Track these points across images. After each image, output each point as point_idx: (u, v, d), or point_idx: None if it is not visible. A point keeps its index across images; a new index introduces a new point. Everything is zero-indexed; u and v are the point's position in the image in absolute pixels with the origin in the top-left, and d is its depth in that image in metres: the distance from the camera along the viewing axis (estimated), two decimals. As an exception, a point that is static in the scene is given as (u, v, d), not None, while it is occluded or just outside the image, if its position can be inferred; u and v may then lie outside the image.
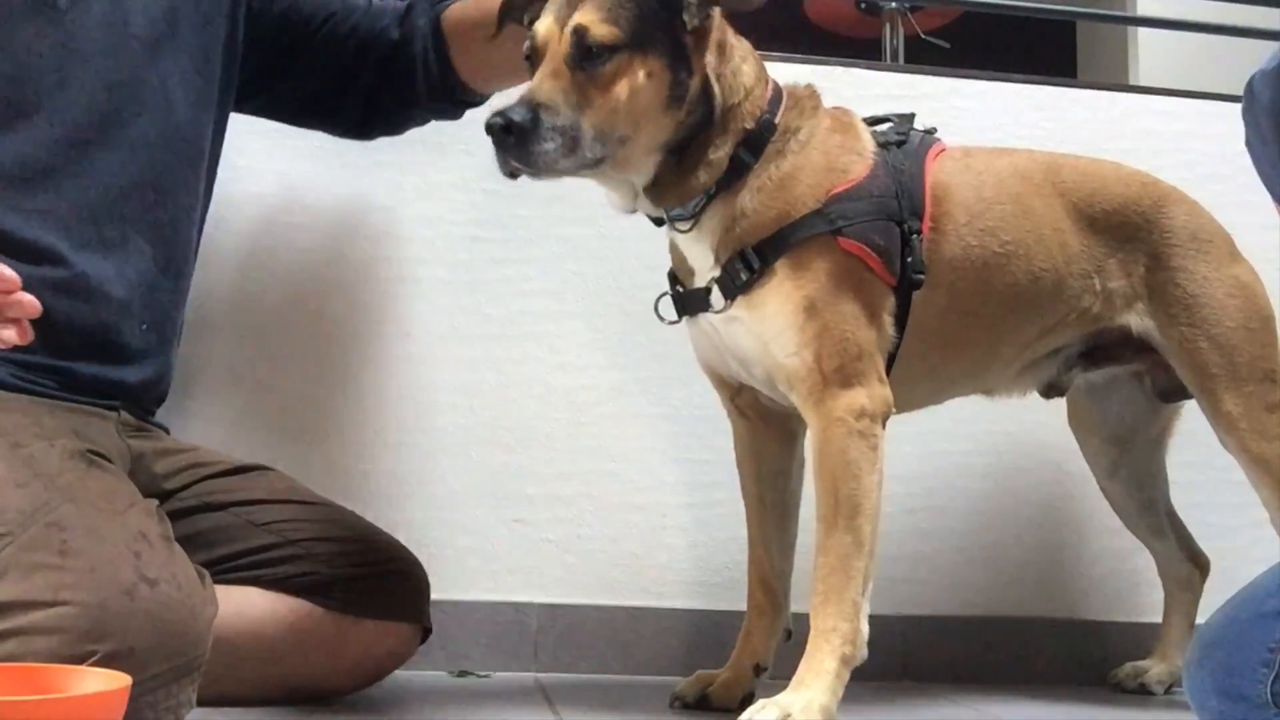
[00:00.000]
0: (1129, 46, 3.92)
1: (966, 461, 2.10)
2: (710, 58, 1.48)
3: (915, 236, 1.54)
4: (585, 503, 2.00)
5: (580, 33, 1.41)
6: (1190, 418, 1.88)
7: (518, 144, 1.37)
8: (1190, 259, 1.74)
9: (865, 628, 1.50)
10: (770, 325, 1.49)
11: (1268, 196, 1.41)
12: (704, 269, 1.54)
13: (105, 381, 1.54)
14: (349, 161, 1.98)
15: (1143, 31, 3.85)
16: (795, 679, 1.43)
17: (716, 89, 1.48)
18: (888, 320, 1.54)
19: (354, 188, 2.00)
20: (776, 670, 1.63)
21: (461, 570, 1.94)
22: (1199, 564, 1.97)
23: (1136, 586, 2.09)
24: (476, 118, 1.63)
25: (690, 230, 1.52)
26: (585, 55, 1.41)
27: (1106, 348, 1.78)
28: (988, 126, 2.14)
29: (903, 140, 1.60)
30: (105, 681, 1.11)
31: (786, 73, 1.63)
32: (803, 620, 1.50)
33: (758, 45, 1.57)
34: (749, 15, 1.48)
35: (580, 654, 1.95)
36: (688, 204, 1.51)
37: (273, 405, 1.96)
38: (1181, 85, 2.44)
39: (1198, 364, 1.73)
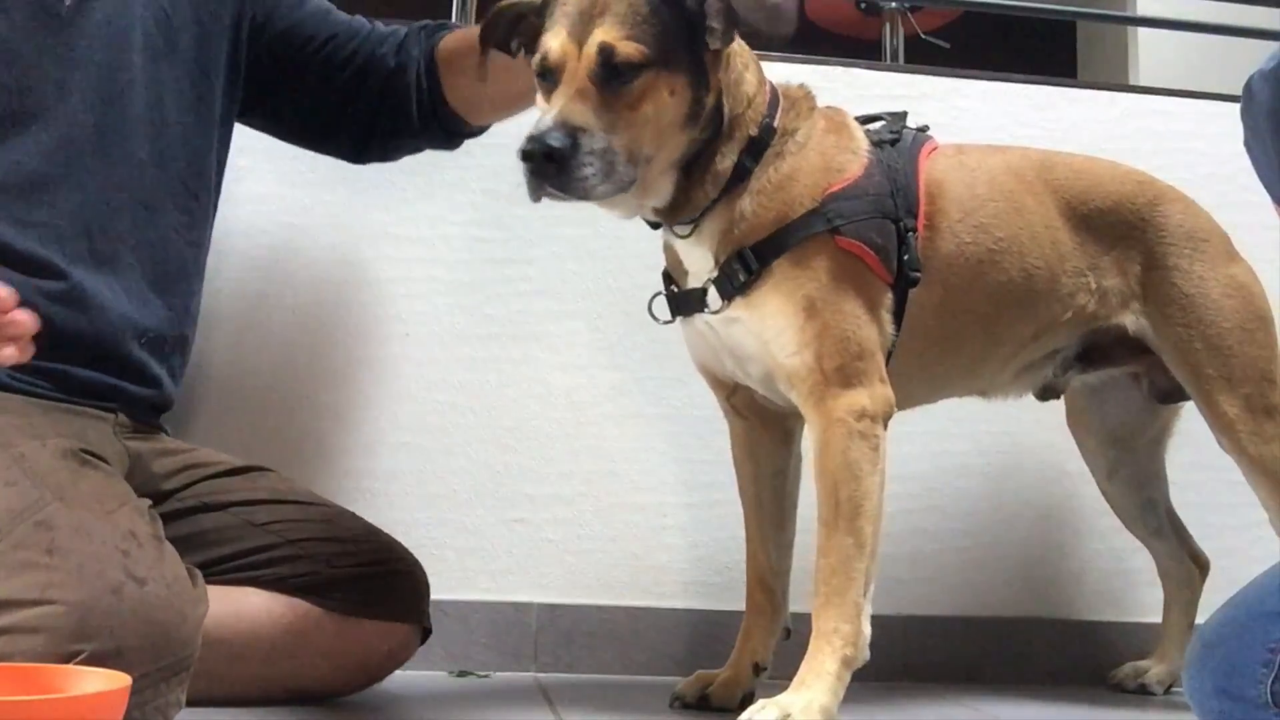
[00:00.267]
0: (1129, 46, 3.92)
1: (966, 461, 2.10)
2: (721, 71, 1.47)
3: (911, 234, 1.54)
4: (585, 503, 2.00)
5: (607, 51, 1.37)
6: (1190, 418, 1.87)
7: (558, 171, 1.34)
8: (1186, 258, 1.73)
9: (867, 629, 1.50)
10: (770, 325, 1.49)
11: (1267, 196, 1.41)
12: (701, 270, 1.53)
13: (103, 385, 1.54)
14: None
15: (1143, 31, 3.85)
16: (796, 679, 1.43)
17: (727, 103, 1.47)
18: (886, 318, 1.54)
19: (354, 188, 2.00)
20: (777, 670, 1.63)
21: (461, 570, 1.95)
22: (1199, 564, 1.97)
23: (1136, 586, 2.09)
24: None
25: (690, 235, 1.52)
26: (613, 74, 1.38)
27: (1103, 348, 1.77)
28: (988, 126, 2.14)
29: (895, 138, 1.60)
30: (105, 681, 1.11)
31: (786, 73, 1.63)
32: (803, 620, 1.50)
33: (756, 46, 1.57)
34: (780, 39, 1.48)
35: (580, 654, 1.95)
36: (694, 214, 1.50)
37: (273, 405, 1.96)
38: (1181, 85, 2.44)
39: (1193, 365, 1.72)
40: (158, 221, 1.60)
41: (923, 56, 3.33)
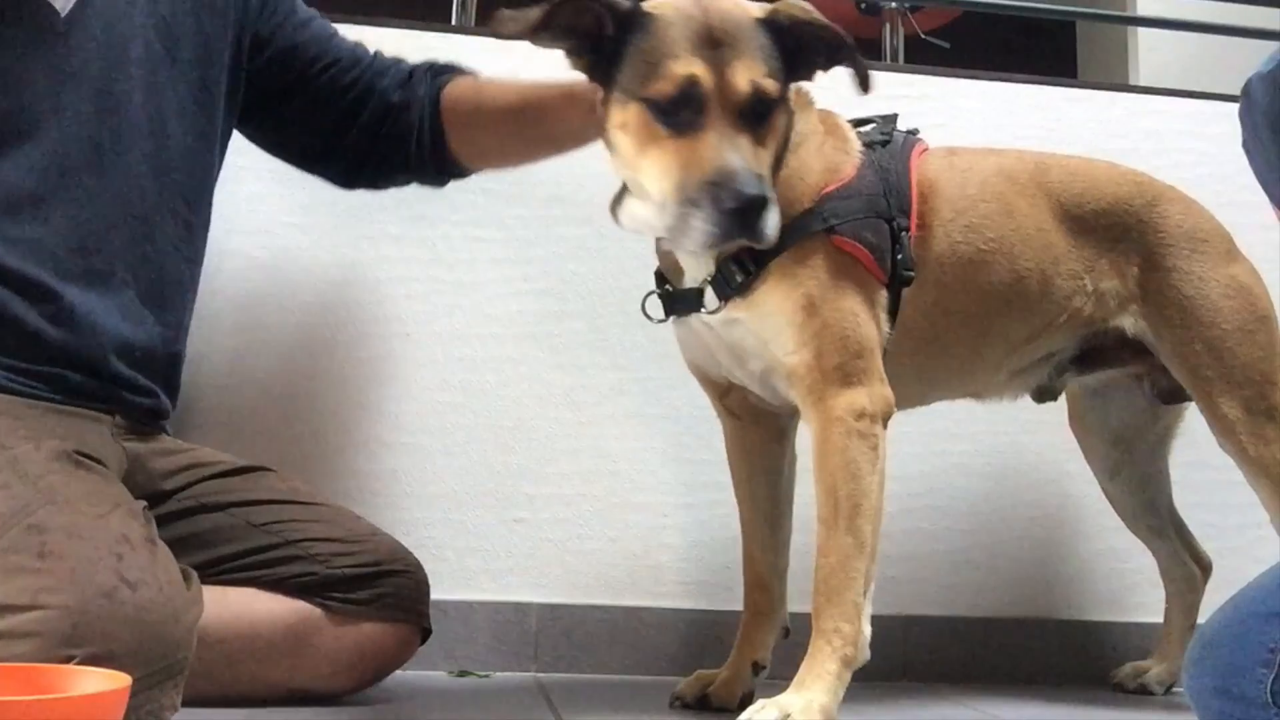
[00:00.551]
0: (1129, 46, 3.91)
1: (966, 461, 2.10)
2: None
3: (904, 233, 1.55)
4: (585, 503, 2.00)
5: (760, 89, 1.38)
6: (1190, 417, 1.87)
7: (756, 219, 1.33)
8: (1185, 259, 1.72)
9: (867, 629, 1.50)
10: (770, 324, 1.49)
11: (1266, 197, 1.41)
12: (697, 271, 1.53)
13: (99, 391, 1.53)
14: (349, 162, 1.98)
15: (1143, 31, 3.84)
16: (796, 679, 1.43)
17: None
18: (883, 318, 1.54)
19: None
20: (778, 670, 1.63)
21: (461, 570, 1.95)
22: (1201, 564, 1.97)
23: (1136, 586, 2.09)
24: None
25: None
26: (763, 109, 1.39)
27: (1102, 350, 1.77)
28: (988, 126, 2.14)
29: (886, 140, 1.61)
30: (105, 681, 1.11)
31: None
32: (802, 619, 1.50)
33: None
34: None
35: (580, 654, 1.95)
36: None
37: (273, 405, 1.96)
38: (1181, 85, 2.43)
39: (1193, 367, 1.71)
40: (155, 236, 1.59)
41: (922, 56, 3.33)
